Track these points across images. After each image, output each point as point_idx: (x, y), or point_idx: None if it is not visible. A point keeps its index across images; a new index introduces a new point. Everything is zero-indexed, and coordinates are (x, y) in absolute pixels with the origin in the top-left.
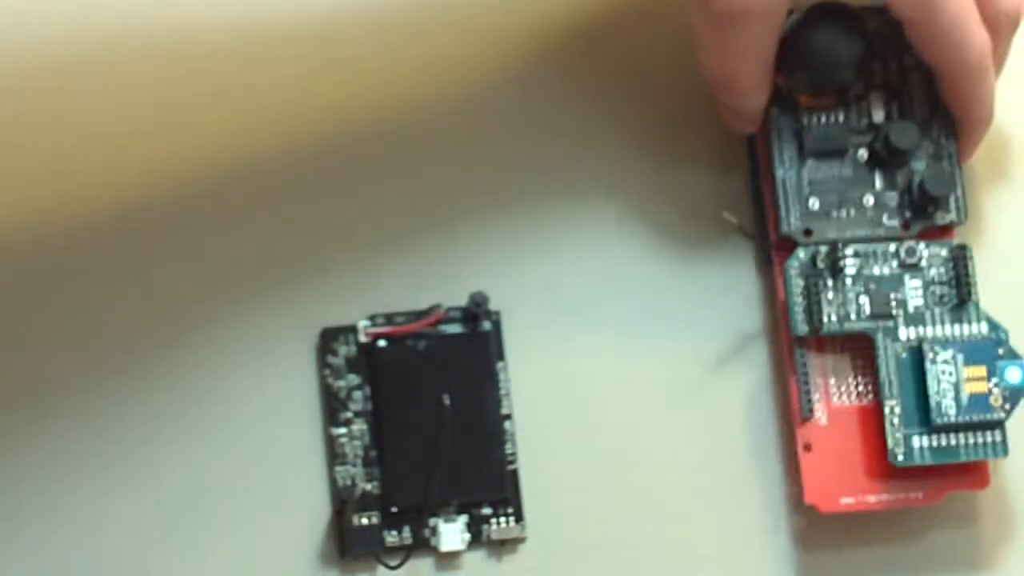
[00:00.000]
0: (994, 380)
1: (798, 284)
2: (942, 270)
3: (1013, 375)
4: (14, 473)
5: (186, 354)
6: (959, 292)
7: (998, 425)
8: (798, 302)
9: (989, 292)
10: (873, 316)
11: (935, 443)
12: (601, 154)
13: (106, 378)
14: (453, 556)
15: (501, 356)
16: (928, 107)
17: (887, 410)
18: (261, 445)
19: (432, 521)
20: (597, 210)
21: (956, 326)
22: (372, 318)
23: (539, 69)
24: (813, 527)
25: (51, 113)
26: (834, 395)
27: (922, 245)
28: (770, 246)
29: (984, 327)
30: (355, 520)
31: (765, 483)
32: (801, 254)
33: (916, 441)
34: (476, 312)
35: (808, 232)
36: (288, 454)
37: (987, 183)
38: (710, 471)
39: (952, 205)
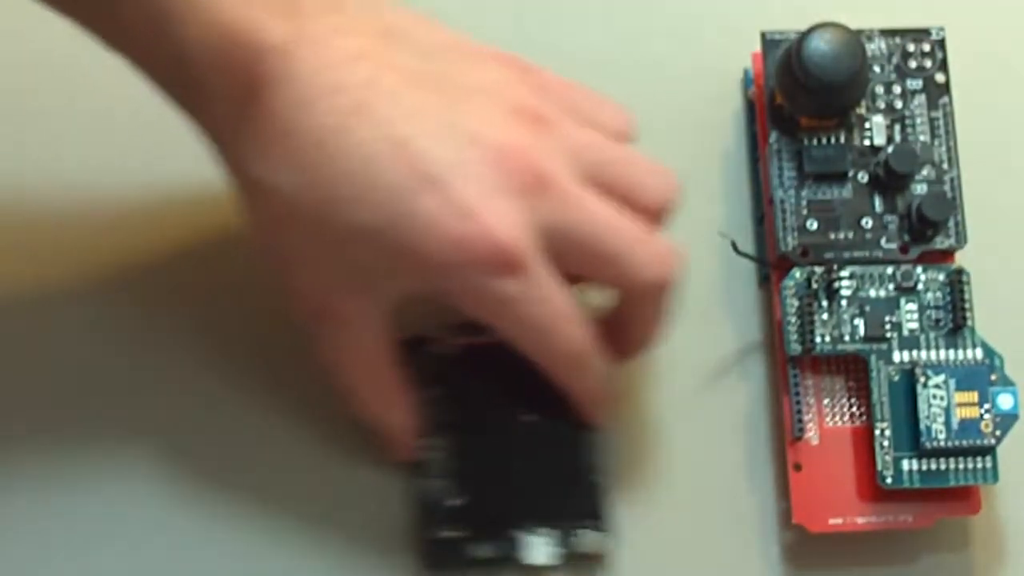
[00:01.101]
0: (986, 406)
1: (793, 304)
2: (939, 294)
3: (1005, 401)
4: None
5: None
6: (955, 317)
7: (988, 451)
8: (792, 322)
9: (989, 317)
10: (867, 338)
11: (924, 467)
12: None
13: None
14: (539, 570)
15: None
16: (930, 131)
17: (877, 432)
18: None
19: (518, 534)
20: None
21: (951, 351)
22: (448, 328)
23: None
24: (804, 545)
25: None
26: (827, 416)
27: (919, 269)
28: (768, 265)
29: (979, 353)
30: (440, 534)
31: (758, 498)
32: (797, 274)
33: (905, 464)
34: None
35: (805, 253)
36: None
37: (990, 208)
38: (704, 482)
39: (952, 230)
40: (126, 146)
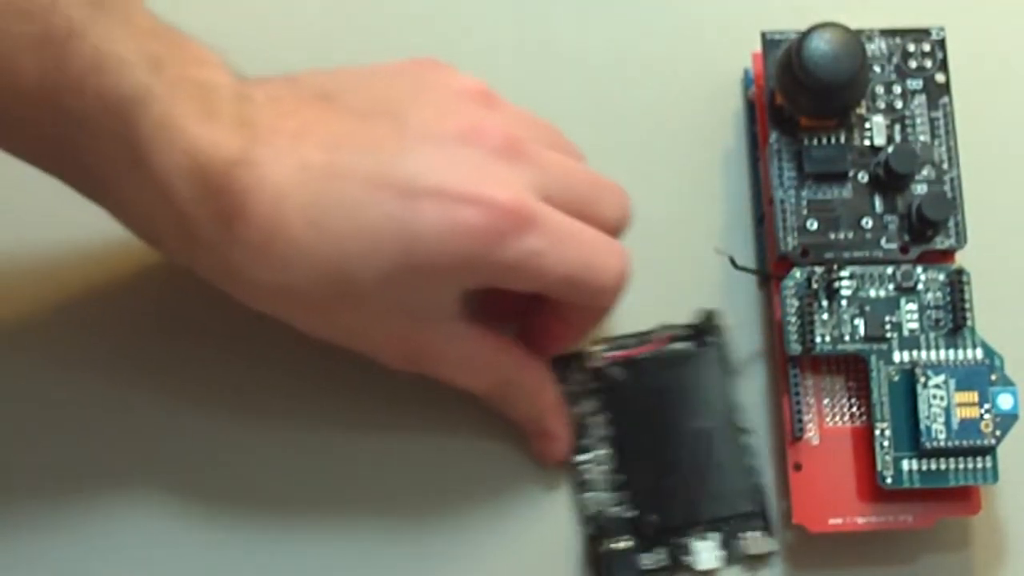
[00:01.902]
0: (986, 406)
1: (793, 304)
2: (939, 294)
3: (1005, 401)
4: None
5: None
6: (955, 317)
7: (988, 451)
8: (792, 322)
9: (989, 317)
10: (867, 338)
11: (924, 467)
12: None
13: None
14: (710, 574)
15: (733, 370)
16: (930, 131)
17: (877, 432)
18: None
19: (685, 541)
20: None
21: (951, 351)
22: (599, 342)
23: None
24: (804, 545)
25: None
26: (827, 416)
27: (919, 269)
28: (768, 275)
29: (979, 353)
30: (610, 546)
31: None
32: (797, 274)
33: (905, 464)
34: (707, 328)
35: (805, 253)
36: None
37: (990, 208)
38: None
39: (952, 230)
40: None
